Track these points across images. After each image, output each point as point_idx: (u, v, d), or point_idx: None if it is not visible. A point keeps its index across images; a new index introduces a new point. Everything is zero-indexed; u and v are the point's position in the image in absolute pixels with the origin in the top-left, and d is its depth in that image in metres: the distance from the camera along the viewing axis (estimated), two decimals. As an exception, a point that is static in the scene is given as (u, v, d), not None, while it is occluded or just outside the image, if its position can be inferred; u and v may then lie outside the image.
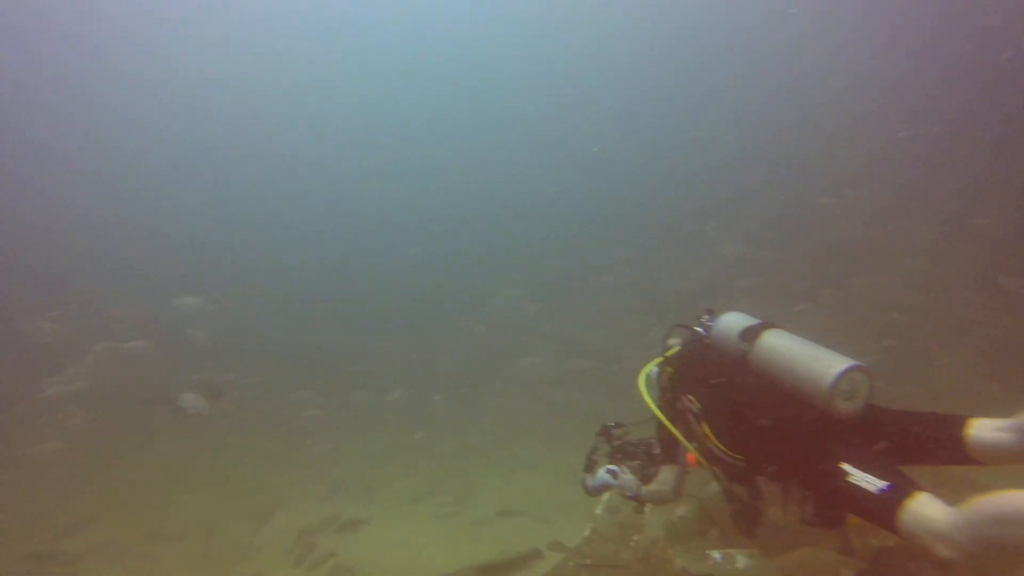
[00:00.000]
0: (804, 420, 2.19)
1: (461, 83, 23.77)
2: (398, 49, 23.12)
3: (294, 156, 23.60)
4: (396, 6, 21.69)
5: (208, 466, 10.39)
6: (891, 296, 11.05)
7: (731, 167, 17.34)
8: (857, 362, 2.16)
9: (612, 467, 3.08)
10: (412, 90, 24.10)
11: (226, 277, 18.21)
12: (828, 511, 2.15)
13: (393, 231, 22.37)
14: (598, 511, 5.34)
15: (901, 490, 1.83)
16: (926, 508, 1.75)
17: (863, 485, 1.89)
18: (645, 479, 3.03)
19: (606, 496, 4.90)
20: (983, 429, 2.03)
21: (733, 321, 2.66)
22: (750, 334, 2.50)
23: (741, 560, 3.73)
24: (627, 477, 3.04)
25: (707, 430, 2.55)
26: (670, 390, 2.87)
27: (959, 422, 2.08)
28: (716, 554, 3.83)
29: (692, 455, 2.75)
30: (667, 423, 2.79)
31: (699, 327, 2.86)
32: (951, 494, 1.95)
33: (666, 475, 2.95)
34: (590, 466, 3.17)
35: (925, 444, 2.12)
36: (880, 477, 1.89)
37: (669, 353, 3.02)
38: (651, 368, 3.04)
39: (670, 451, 2.91)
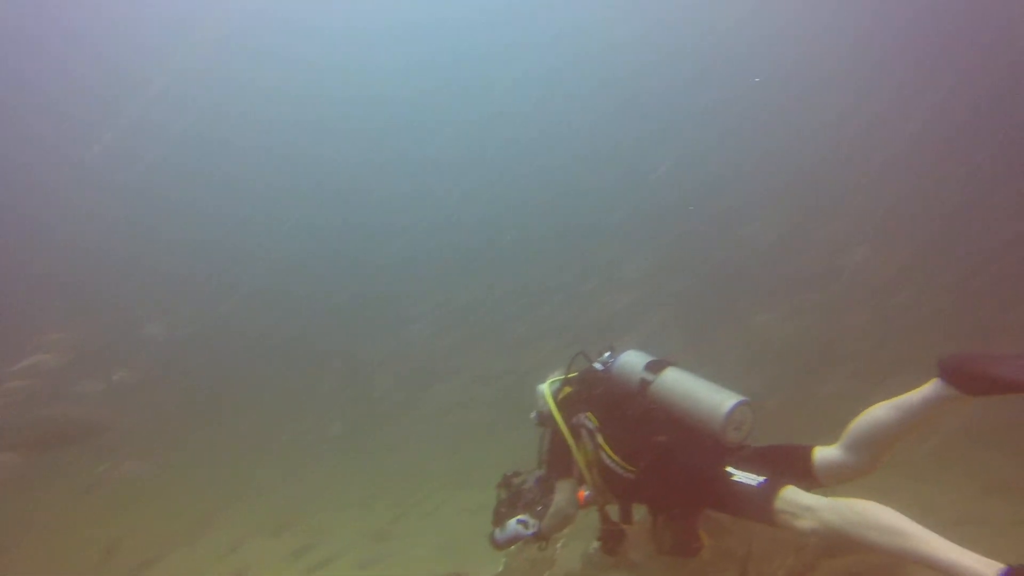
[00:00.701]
0: (695, 440, 2.52)
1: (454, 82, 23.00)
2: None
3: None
4: (396, 6, 20.87)
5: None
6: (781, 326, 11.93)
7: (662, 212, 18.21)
8: (745, 397, 2.50)
9: (522, 517, 3.07)
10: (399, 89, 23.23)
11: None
12: (686, 542, 2.49)
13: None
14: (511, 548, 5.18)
15: (776, 482, 2.14)
16: (796, 494, 2.08)
17: (746, 481, 2.20)
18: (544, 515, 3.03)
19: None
20: (820, 456, 2.34)
21: (634, 359, 2.87)
22: (654, 367, 2.76)
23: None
24: (534, 522, 3.06)
25: (602, 441, 2.76)
26: (567, 407, 2.99)
27: (806, 451, 2.39)
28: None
29: (581, 492, 2.87)
30: (565, 431, 2.89)
31: (599, 363, 3.02)
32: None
33: (561, 488, 2.97)
34: (498, 519, 3.17)
35: (779, 467, 2.36)
36: (758, 473, 2.20)
37: (570, 375, 3.18)
38: (553, 382, 3.17)
39: (563, 465, 2.94)
